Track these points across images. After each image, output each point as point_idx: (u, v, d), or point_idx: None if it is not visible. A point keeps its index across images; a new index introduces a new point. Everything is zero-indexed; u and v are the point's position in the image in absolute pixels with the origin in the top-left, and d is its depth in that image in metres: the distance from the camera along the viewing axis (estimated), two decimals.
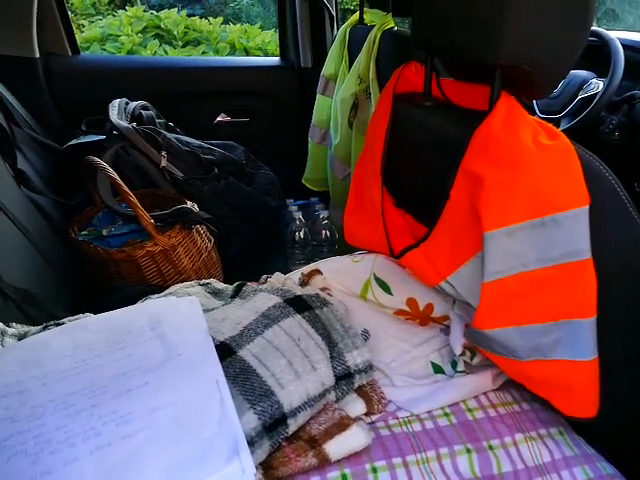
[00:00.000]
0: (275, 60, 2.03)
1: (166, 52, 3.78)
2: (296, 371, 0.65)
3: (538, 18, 0.63)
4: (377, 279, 0.87)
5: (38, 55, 1.63)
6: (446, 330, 0.84)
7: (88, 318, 0.81)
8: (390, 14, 1.40)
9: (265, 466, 0.59)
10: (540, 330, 0.66)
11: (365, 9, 1.55)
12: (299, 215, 1.62)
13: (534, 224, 0.63)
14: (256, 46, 4.05)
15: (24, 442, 0.56)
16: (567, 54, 0.67)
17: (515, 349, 0.67)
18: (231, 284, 0.96)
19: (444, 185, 0.73)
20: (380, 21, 1.40)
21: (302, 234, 1.63)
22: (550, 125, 0.68)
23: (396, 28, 1.40)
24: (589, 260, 0.63)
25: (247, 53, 4.01)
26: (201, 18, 4.19)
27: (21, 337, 0.80)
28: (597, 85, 1.18)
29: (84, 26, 4.08)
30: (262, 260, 1.54)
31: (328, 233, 1.65)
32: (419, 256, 0.77)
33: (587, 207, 0.62)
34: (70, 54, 1.74)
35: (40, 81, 1.65)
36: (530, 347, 0.66)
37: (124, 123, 1.40)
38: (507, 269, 0.64)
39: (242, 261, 1.49)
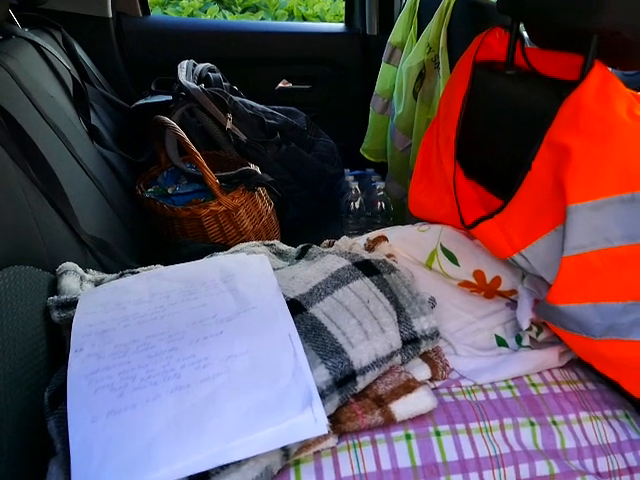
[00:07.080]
0: (340, 27, 2.00)
1: (225, 17, 3.79)
2: (366, 331, 0.66)
3: None
4: (444, 249, 0.86)
5: (111, 15, 1.67)
6: (512, 304, 0.83)
7: (162, 268, 0.84)
8: None
9: (333, 419, 0.60)
10: (619, 309, 0.64)
11: None
12: (355, 185, 1.61)
13: (623, 199, 0.61)
14: (314, 14, 4.00)
15: (110, 377, 0.60)
16: None
17: (589, 327, 0.65)
18: None
19: (524, 156, 0.71)
20: None
21: (357, 204, 1.63)
22: None
23: None
24: None
25: (305, 21, 3.97)
26: None
27: (97, 283, 0.84)
28: None
29: None
30: (318, 227, 1.55)
31: (383, 205, 1.64)
32: (493, 227, 0.75)
33: None
34: (141, 15, 1.77)
35: (112, 41, 1.69)
36: (606, 325, 0.64)
37: (193, 84, 1.42)
38: (590, 244, 0.62)
39: (298, 226, 1.51)
